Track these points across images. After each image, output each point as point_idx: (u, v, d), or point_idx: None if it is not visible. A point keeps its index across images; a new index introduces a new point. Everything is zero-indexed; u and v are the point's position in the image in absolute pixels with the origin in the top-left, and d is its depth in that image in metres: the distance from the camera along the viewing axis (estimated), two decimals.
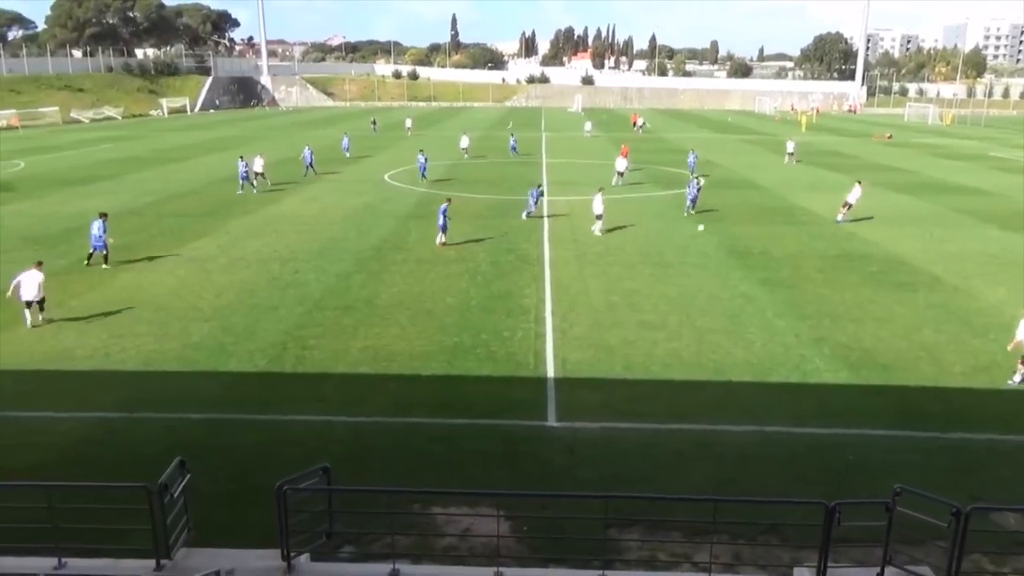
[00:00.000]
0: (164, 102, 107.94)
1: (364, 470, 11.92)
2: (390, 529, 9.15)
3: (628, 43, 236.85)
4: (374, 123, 78.73)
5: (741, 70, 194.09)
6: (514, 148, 54.31)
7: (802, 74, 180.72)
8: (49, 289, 21.72)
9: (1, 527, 8.26)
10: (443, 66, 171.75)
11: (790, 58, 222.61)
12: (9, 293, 18.59)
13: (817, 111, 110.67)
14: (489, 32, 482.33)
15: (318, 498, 8.36)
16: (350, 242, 27.60)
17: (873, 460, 12.69)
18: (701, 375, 16.03)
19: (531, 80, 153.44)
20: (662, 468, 12.40)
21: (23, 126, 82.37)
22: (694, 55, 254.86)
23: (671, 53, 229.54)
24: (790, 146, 52.72)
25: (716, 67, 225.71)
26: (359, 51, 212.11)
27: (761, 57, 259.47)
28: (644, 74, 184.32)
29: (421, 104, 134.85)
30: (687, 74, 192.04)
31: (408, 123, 74.91)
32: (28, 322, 18.61)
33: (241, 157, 39.31)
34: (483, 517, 10.09)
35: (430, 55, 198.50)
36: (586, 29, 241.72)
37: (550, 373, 16.06)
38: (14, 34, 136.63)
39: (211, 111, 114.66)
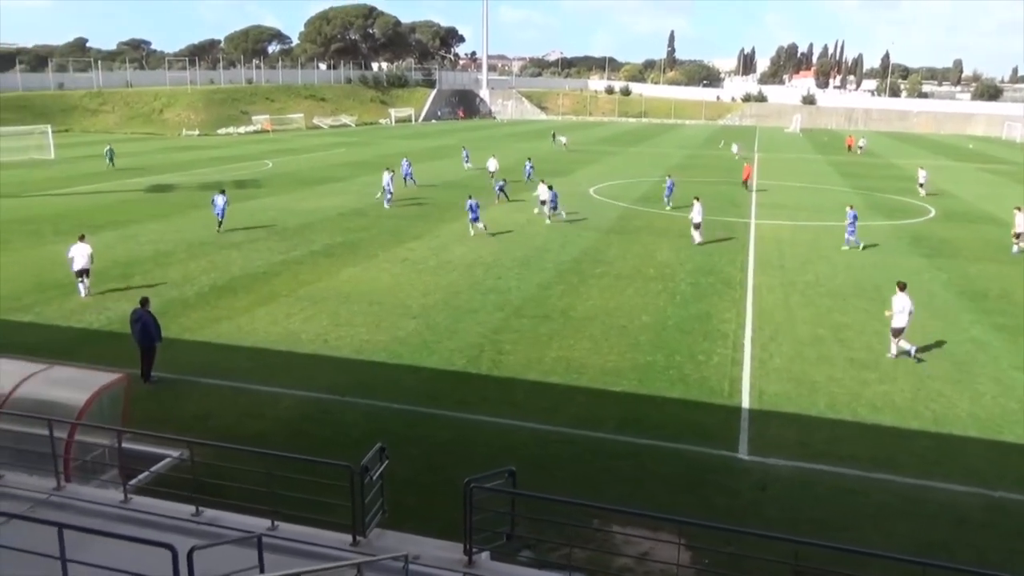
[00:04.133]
0: (392, 112, 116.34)
1: (547, 478, 12.07)
2: (568, 540, 9.19)
3: (857, 61, 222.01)
4: (554, 136, 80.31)
5: (988, 92, 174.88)
6: (529, 175, 47.40)
7: None
8: (282, 278, 24.22)
9: (229, 485, 9.29)
10: (657, 82, 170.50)
11: None
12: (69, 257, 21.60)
13: None
14: (706, 49, 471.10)
15: (501, 499, 8.58)
16: (552, 253, 28.13)
17: None
18: (916, 424, 14.61)
19: (747, 98, 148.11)
20: (862, 519, 11.44)
21: (274, 130, 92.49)
22: (933, 74, 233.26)
23: (906, 72, 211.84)
24: (922, 175, 47.00)
25: (959, 88, 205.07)
26: (574, 66, 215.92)
27: (1015, 78, 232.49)
28: (873, 94, 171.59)
29: (631, 120, 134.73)
30: (923, 95, 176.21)
31: (563, 140, 74.71)
32: (84, 293, 21.36)
33: (389, 168, 39.82)
34: (663, 543, 9.85)
35: (644, 71, 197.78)
36: (811, 46, 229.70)
37: (745, 403, 15.38)
38: (273, 48, 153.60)
39: (433, 121, 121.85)
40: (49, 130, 63.30)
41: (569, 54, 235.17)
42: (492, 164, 48.02)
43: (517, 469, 8.39)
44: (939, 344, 18.98)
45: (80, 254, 21.30)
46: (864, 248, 29.36)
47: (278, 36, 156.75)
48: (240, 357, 17.44)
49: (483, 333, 19.22)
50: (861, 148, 76.47)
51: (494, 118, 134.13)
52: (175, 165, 55.48)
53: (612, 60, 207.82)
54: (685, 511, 11.15)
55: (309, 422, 14.33)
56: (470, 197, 31.57)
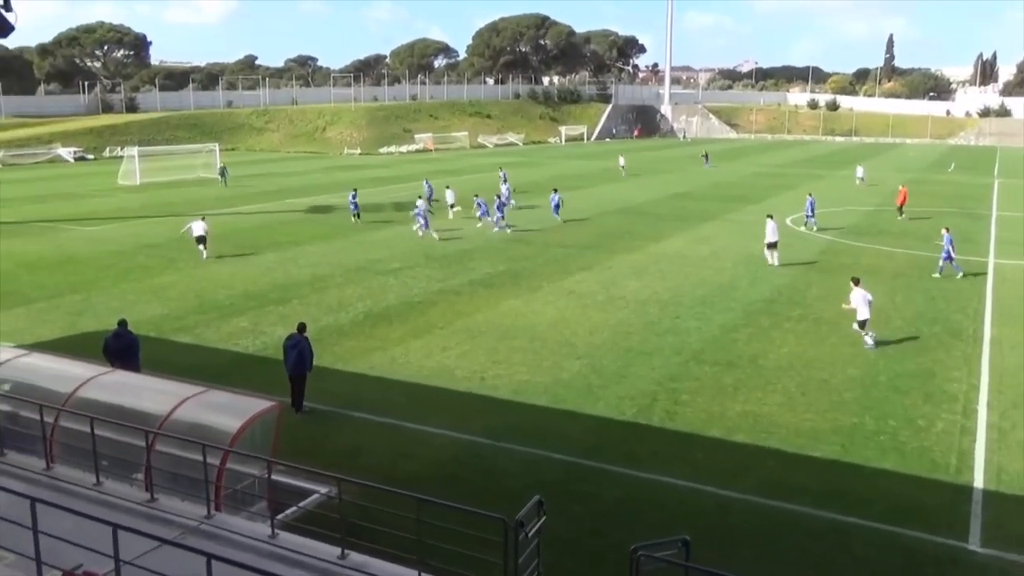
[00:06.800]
0: (563, 129, 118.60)
1: (727, 553, 11.61)
2: None
3: None
4: (705, 156, 79.32)
5: None
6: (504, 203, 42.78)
7: None
8: (439, 308, 25.14)
9: (376, 528, 9.66)
10: (871, 95, 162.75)
11: None
12: (183, 230, 32.82)
13: None
14: (934, 55, 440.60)
15: (673, 572, 8.34)
16: (740, 291, 27.37)
17: None
18: None
19: (985, 113, 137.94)
20: None
21: (436, 149, 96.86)
22: None
23: None
24: None
25: None
26: (771, 78, 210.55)
27: None
28: None
29: (839, 138, 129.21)
30: None
31: (621, 161, 71.47)
32: (204, 255, 31.47)
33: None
34: None
35: (855, 83, 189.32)
36: None
37: (978, 482, 14.12)
38: (439, 63, 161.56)
39: (607, 140, 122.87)
40: (216, 149, 69.80)
41: (765, 64, 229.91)
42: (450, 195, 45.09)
43: (692, 539, 8.15)
44: None
45: (198, 227, 31.81)
46: (963, 276, 28.67)
47: (445, 50, 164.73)
48: (392, 391, 18.22)
49: (657, 379, 18.95)
50: None
51: (677, 136, 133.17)
52: (335, 185, 59.29)
53: (816, 70, 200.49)
54: None
55: (462, 467, 14.68)
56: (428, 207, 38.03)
